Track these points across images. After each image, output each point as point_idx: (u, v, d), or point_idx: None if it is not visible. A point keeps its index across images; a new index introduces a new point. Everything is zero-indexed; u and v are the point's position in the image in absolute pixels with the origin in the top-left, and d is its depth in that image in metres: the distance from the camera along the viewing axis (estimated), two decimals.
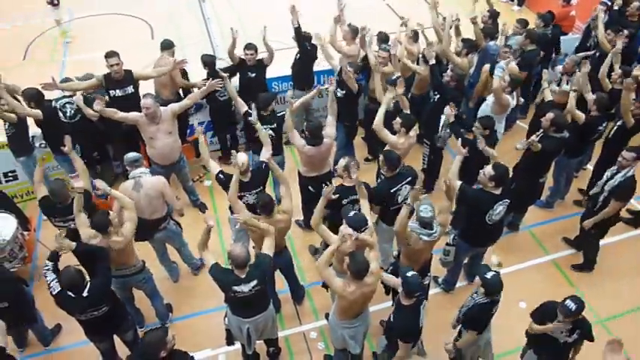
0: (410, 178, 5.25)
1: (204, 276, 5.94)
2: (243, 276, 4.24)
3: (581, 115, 5.98)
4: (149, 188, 5.18)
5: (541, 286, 6.02)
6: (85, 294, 4.21)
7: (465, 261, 5.82)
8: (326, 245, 5.51)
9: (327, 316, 5.41)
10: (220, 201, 6.73)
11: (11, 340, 5.39)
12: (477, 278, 4.36)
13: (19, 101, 6.00)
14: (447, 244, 5.47)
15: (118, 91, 6.36)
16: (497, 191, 4.99)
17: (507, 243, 6.32)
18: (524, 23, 7.64)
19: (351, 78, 6.44)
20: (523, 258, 6.27)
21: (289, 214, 4.99)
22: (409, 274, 4.13)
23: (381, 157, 5.29)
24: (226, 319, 4.71)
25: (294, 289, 5.73)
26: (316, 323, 5.68)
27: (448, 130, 6.08)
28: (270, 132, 5.97)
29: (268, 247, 4.47)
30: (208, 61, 6.80)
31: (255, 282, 4.26)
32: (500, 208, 5.06)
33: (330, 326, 4.71)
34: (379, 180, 5.71)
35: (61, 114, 6.35)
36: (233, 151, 5.12)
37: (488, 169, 4.96)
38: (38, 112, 5.96)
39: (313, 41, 7.20)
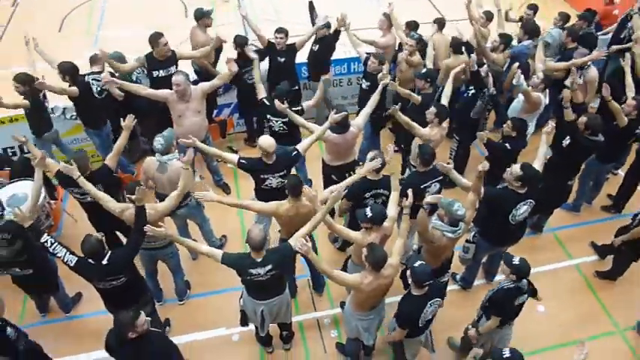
0: (441, 177, 5.19)
1: None
2: (259, 259, 4.25)
3: (624, 118, 5.78)
4: (172, 171, 5.20)
5: (561, 290, 5.93)
6: (104, 262, 4.29)
7: (484, 259, 5.76)
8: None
9: (342, 304, 5.42)
10: (243, 182, 6.76)
11: (34, 305, 5.60)
12: (504, 267, 4.31)
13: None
14: (467, 241, 5.40)
15: (161, 71, 6.38)
16: (522, 190, 4.90)
17: (530, 244, 6.22)
18: (564, 17, 7.39)
19: (386, 76, 6.09)
20: (545, 260, 6.16)
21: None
22: (417, 264, 4.15)
23: (414, 150, 5.18)
24: (242, 300, 4.76)
25: (315, 276, 5.74)
26: (330, 311, 5.70)
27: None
28: (282, 125, 5.96)
29: (308, 228, 4.40)
30: (241, 42, 6.79)
31: (270, 266, 4.27)
32: (524, 208, 4.96)
33: (345, 316, 4.73)
34: (409, 172, 5.68)
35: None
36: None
37: (516, 169, 4.85)
38: (74, 89, 6.02)
39: (338, 28, 6.98)
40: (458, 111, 6.53)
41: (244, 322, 4.92)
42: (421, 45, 6.87)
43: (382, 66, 6.29)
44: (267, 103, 6.02)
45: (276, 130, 6.02)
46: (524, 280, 4.34)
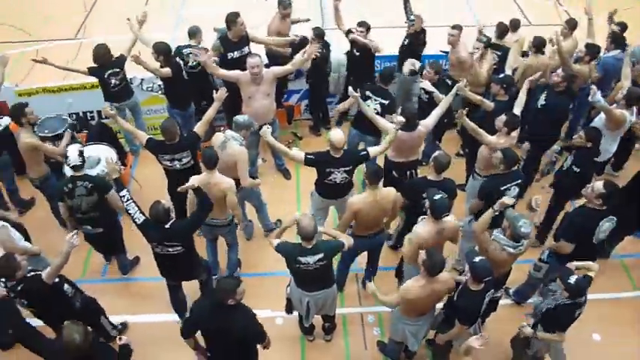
0: (520, 180, 5.07)
1: None
2: (309, 247, 4.30)
3: None
4: (229, 154, 5.29)
5: (621, 321, 5.58)
6: (167, 226, 4.48)
7: None
8: (402, 231, 5.47)
9: None
10: (304, 171, 6.79)
11: (96, 261, 5.91)
12: (559, 282, 4.17)
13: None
14: (541, 260, 5.16)
15: (235, 52, 6.49)
16: (602, 207, 4.67)
17: None
18: None
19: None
20: (607, 288, 5.79)
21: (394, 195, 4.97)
22: (477, 259, 4.06)
23: (498, 155, 5.02)
24: (289, 288, 4.82)
25: (372, 271, 5.68)
26: (375, 308, 5.64)
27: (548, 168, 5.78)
28: (378, 107, 5.93)
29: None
30: (318, 34, 6.78)
31: (321, 255, 4.31)
32: (606, 225, 4.72)
33: (392, 318, 4.68)
34: (472, 180, 5.55)
35: (181, 61, 6.54)
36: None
37: (598, 186, 4.63)
38: (168, 70, 6.19)
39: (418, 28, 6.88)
40: (528, 118, 6.26)
41: (289, 309, 4.98)
42: (491, 47, 6.65)
43: (437, 75, 6.15)
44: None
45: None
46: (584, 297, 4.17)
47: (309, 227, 4.23)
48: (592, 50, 6.49)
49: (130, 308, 5.56)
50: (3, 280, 4.20)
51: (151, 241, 4.62)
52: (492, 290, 4.34)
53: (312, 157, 5.13)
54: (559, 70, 5.96)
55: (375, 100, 5.94)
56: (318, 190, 5.46)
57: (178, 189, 4.63)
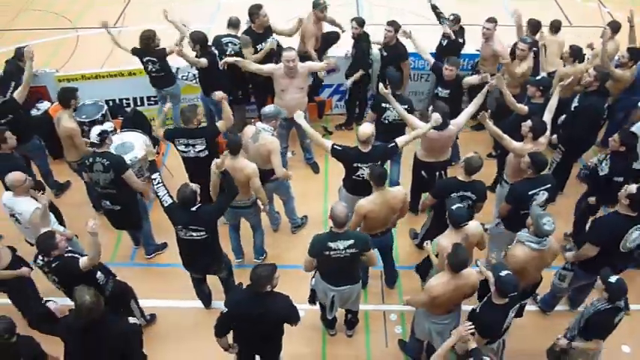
0: (550, 185, 4.96)
1: (302, 234, 6.16)
2: (341, 231, 4.31)
3: None
4: (261, 145, 5.35)
5: None
6: (193, 209, 4.56)
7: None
8: (429, 230, 5.43)
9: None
10: (333, 166, 6.79)
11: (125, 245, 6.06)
12: (599, 282, 4.08)
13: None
14: (564, 268, 5.05)
15: (262, 44, 6.52)
16: (633, 214, 4.54)
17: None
18: None
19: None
20: (638, 299, 5.66)
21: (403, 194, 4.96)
22: (503, 273, 3.97)
23: (526, 159, 4.92)
24: (313, 279, 4.83)
25: (389, 270, 5.68)
26: (398, 306, 5.63)
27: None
28: (396, 114, 5.84)
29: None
30: (361, 22, 6.76)
31: (352, 242, 4.32)
32: (636, 234, 4.59)
33: (417, 316, 4.64)
34: (500, 187, 5.49)
35: (216, 51, 6.59)
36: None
37: (632, 187, 4.51)
38: (205, 61, 6.30)
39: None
40: (565, 121, 6.11)
41: (312, 300, 4.97)
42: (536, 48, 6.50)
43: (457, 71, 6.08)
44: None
45: (391, 120, 5.98)
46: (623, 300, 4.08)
47: (342, 214, 4.26)
48: (636, 55, 6.30)
49: (156, 293, 5.66)
50: (41, 255, 4.36)
51: (177, 224, 4.69)
52: (517, 305, 4.23)
53: (338, 148, 5.13)
54: (591, 70, 5.80)
55: (393, 108, 5.82)
56: (346, 187, 5.45)
57: (214, 162, 4.72)
